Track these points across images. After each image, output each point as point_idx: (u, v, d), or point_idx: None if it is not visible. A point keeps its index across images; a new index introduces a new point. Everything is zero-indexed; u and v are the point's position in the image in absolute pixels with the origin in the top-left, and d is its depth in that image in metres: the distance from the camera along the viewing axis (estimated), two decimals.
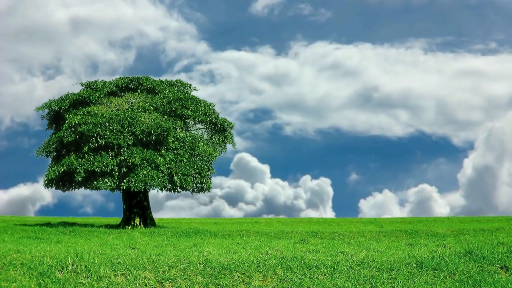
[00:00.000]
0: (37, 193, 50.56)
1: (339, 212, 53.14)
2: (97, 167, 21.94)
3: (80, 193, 55.58)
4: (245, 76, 72.52)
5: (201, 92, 68.25)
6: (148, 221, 25.57)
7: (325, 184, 55.37)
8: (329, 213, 52.98)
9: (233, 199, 54.21)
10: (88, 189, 23.62)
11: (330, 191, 55.11)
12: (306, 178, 56.85)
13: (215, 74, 71.95)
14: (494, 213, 47.23)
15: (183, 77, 70.24)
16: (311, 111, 70.55)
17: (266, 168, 56.88)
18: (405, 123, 65.74)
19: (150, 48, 73.94)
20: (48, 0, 72.44)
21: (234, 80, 72.89)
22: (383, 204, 54.52)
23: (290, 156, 67.34)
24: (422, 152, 66.06)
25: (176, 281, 8.56)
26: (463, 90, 69.63)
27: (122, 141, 22.49)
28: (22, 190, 51.11)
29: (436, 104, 69.48)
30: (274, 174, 57.54)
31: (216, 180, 52.48)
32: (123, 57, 71.86)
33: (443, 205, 53.88)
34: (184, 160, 23.59)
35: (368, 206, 54.84)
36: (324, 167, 66.27)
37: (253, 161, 57.18)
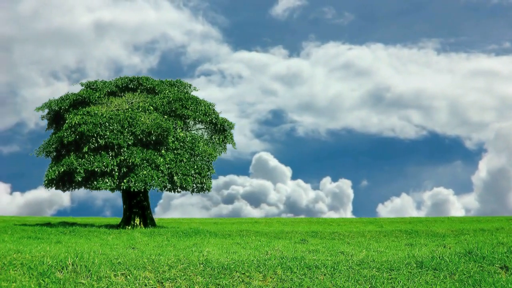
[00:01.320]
0: (56, 196, 50.46)
1: (359, 216, 53.17)
2: (97, 167, 21.93)
3: (100, 197, 55.47)
4: (261, 78, 72.88)
5: (220, 94, 68.81)
6: (148, 221, 25.57)
7: (345, 186, 55.02)
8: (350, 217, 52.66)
9: (255, 200, 54.15)
10: (88, 189, 23.63)
11: (350, 193, 54.79)
12: (326, 180, 56.59)
13: (234, 76, 72.43)
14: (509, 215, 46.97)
15: (202, 80, 70.48)
16: (324, 112, 70.47)
17: (286, 169, 56.68)
18: (418, 125, 65.35)
19: (173, 51, 74.44)
20: (73, 5, 73.14)
21: (252, 81, 73.39)
22: (402, 208, 54.29)
23: (305, 158, 67.25)
24: (436, 155, 65.79)
25: (176, 281, 8.56)
26: (477, 91, 69.24)
27: (122, 141, 22.49)
28: (41, 193, 51.03)
29: (449, 104, 69.06)
30: (293, 176, 57.45)
31: (239, 179, 52.68)
32: (147, 60, 72.38)
33: (459, 208, 53.76)
34: (184, 160, 23.58)
35: (386, 211, 54.58)
36: (339, 169, 66.12)
37: (274, 162, 57.03)
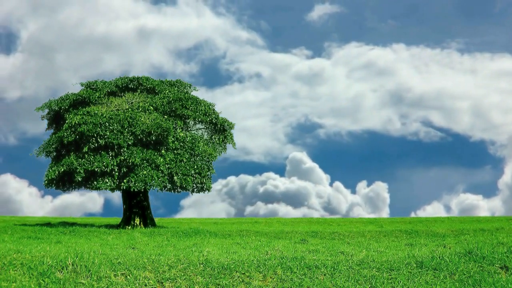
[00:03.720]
0: (90, 201, 49.48)
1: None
2: (97, 167, 21.93)
3: None
4: (292, 81, 72.98)
5: (255, 98, 69.39)
6: (148, 221, 25.57)
7: (380, 189, 54.32)
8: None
9: (295, 202, 53.84)
10: (88, 189, 23.64)
11: (386, 197, 53.92)
12: (362, 184, 56.05)
13: (263, 79, 72.80)
14: None
15: (236, 86, 70.85)
16: (345, 113, 70.04)
17: (323, 173, 56.26)
18: (439, 127, 64.19)
19: (213, 57, 74.74)
20: (116, 12, 73.53)
21: (283, 84, 73.54)
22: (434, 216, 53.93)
23: (335, 161, 66.58)
24: (462, 158, 64.81)
25: (176, 281, 8.56)
26: (500, 91, 68.50)
27: (122, 141, 22.49)
28: (73, 198, 50.21)
29: (472, 105, 68.10)
30: (331, 180, 57.07)
31: (282, 180, 52.61)
32: (188, 66, 72.60)
33: (486, 213, 53.36)
34: (184, 160, 23.59)
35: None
36: (367, 173, 65.53)
37: (309, 163, 56.62)
